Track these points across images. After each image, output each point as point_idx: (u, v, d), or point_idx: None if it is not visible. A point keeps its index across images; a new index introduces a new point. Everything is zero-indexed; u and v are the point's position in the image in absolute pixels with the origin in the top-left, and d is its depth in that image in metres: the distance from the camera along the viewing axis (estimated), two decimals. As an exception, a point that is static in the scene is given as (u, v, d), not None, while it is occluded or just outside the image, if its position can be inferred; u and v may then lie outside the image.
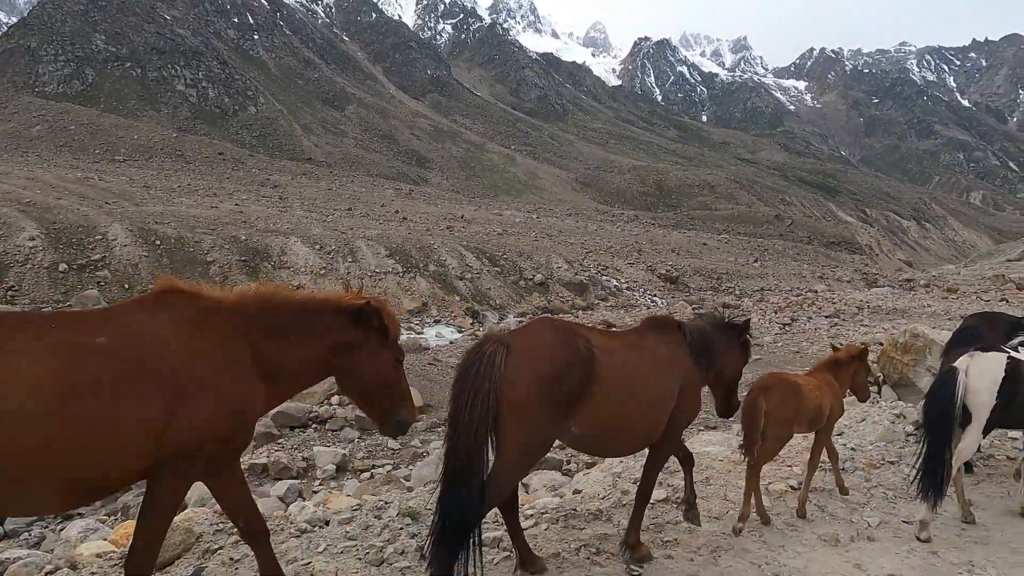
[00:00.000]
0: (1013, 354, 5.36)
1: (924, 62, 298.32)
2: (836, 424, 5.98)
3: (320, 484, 7.75)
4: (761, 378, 5.40)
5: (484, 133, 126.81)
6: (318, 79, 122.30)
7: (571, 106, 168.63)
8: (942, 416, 5.18)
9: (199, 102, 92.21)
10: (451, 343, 18.84)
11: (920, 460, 5.25)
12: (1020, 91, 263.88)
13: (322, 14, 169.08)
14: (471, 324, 26.72)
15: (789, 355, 16.60)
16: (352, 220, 42.59)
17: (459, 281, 31.38)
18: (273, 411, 10.28)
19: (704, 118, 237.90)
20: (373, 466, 8.28)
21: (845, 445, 7.30)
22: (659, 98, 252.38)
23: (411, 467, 7.90)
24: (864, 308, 25.20)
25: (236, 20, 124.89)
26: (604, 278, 38.73)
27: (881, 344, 10.94)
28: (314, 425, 9.92)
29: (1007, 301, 28.92)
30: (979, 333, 6.65)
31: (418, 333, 24.75)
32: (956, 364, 5.31)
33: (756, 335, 19.91)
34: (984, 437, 5.41)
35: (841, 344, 7.08)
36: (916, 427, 7.39)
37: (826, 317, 22.76)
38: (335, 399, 10.90)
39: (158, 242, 25.91)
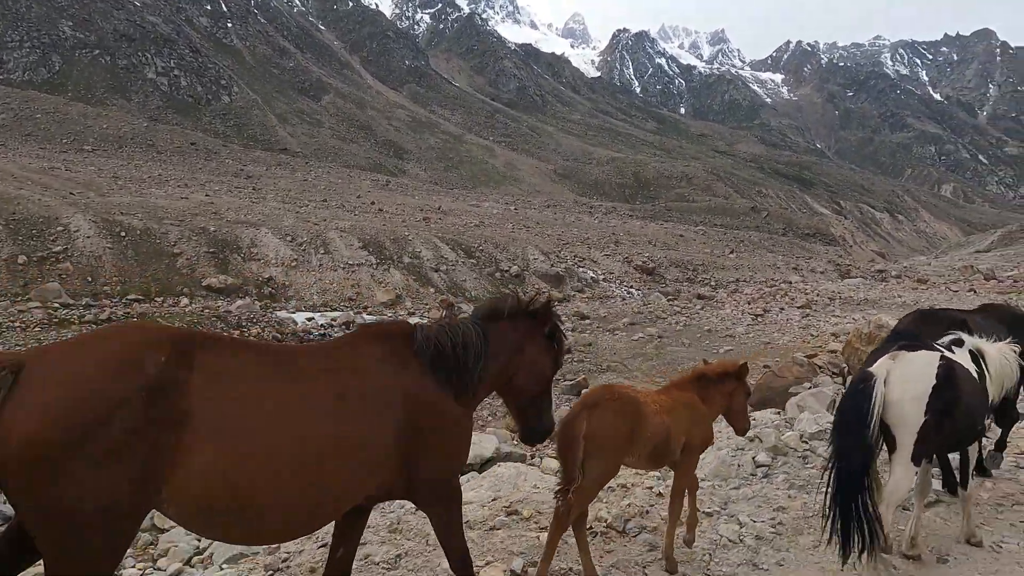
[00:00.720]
0: (947, 353, 4.27)
1: (898, 56, 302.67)
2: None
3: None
4: (588, 391, 4.31)
5: (463, 124, 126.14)
6: (294, 68, 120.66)
7: (550, 97, 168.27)
8: (854, 441, 3.91)
9: (171, 91, 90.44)
10: (421, 336, 18.63)
11: (828, 505, 4.00)
12: (990, 85, 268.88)
13: (297, 2, 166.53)
14: (445, 316, 26.51)
15: (759, 346, 16.65)
16: (327, 211, 42.04)
17: (434, 273, 31.11)
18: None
19: (682, 110, 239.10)
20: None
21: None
22: (638, 90, 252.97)
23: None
24: (836, 299, 25.44)
25: (209, 8, 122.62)
26: (581, 270, 38.68)
27: (848, 334, 10.93)
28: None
29: (975, 292, 29.38)
30: (915, 337, 5.52)
31: (391, 326, 24.50)
32: (873, 368, 4.10)
33: (728, 325, 19.95)
34: (920, 465, 4.17)
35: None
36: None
37: (798, 308, 22.92)
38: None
39: (123, 234, 25.27)
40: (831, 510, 3.98)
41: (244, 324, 19.45)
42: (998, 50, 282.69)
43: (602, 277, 38.81)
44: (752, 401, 11.92)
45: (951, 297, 26.74)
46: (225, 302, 23.15)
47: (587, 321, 19.93)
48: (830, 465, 4.08)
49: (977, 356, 4.63)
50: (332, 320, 23.29)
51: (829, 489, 4.04)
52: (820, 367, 10.35)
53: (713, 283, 40.14)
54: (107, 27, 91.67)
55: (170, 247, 25.57)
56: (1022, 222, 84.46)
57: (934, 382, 3.99)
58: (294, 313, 24.26)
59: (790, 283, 36.74)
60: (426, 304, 28.35)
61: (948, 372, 4.05)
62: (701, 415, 4.42)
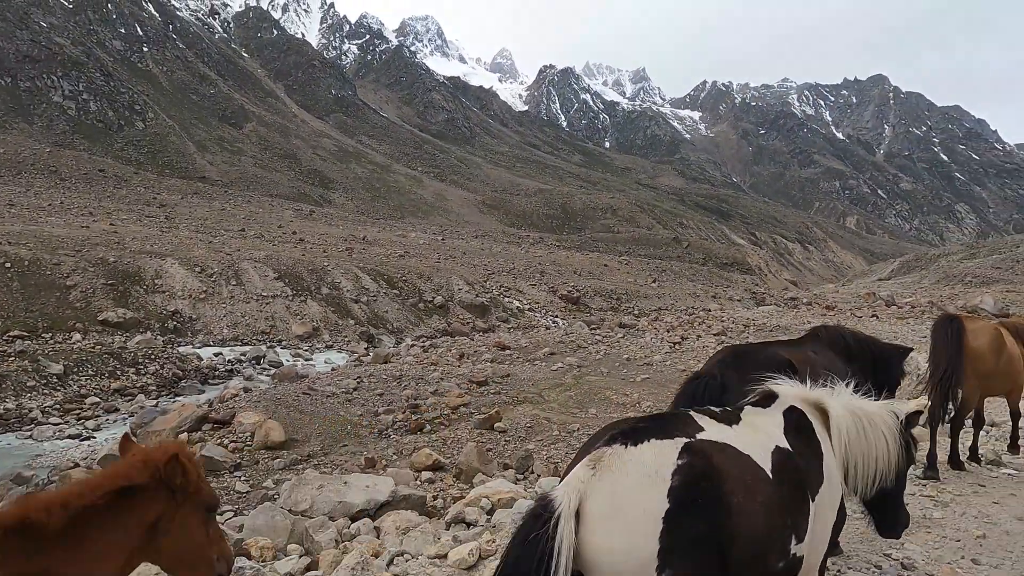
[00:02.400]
0: (700, 437, 2.50)
1: (804, 97, 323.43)
2: None
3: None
4: None
5: (390, 154, 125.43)
6: (214, 95, 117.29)
7: (478, 129, 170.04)
8: None
9: (79, 115, 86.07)
10: (332, 370, 17.84)
11: None
12: (885, 126, 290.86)
13: (219, 28, 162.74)
14: (365, 349, 25.68)
15: (676, 373, 16.77)
16: (243, 241, 40.44)
17: (354, 304, 30.21)
18: (100, 455, 9.09)
19: (607, 144, 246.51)
20: (211, 514, 7.29)
21: None
22: (564, 124, 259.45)
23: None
24: (750, 326, 26.17)
25: (123, 31, 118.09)
26: (506, 299, 38.56)
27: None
28: (151, 468, 8.75)
29: (878, 317, 31.00)
30: (719, 388, 4.07)
31: (307, 360, 23.50)
32: (557, 492, 2.31)
33: (647, 353, 20.11)
34: None
35: None
36: None
37: (714, 335, 23.40)
38: (182, 436, 9.78)
39: (8, 264, 23.28)
40: None
41: (141, 361, 18.09)
42: (891, 94, 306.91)
43: (527, 307, 38.80)
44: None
45: (856, 323, 28.06)
46: (123, 337, 21.57)
47: (507, 351, 19.64)
48: None
49: (808, 420, 2.92)
50: (241, 355, 22.09)
51: None
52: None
53: (636, 312, 40.81)
54: (8, 48, 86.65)
55: (63, 279, 23.72)
56: (917, 252, 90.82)
57: (666, 506, 2.21)
58: (200, 348, 22.88)
59: (708, 311, 37.76)
60: (345, 336, 27.41)
61: (696, 479, 2.29)
62: None
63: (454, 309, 34.08)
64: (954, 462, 6.71)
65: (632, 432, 2.43)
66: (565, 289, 43.31)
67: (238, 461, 9.07)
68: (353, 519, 6.75)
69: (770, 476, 2.51)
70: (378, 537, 6.11)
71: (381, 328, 29.60)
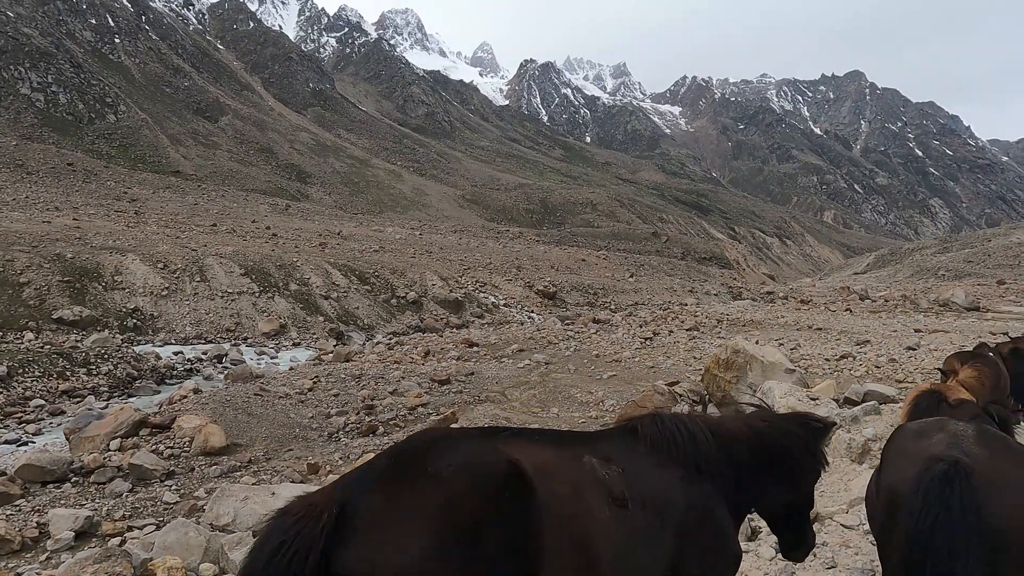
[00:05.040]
0: None
1: (782, 93, 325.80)
2: None
3: (45, 560, 6.16)
4: None
5: (369, 148, 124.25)
6: (189, 88, 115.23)
7: (458, 124, 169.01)
8: None
9: (48, 108, 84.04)
10: (290, 370, 17.29)
11: None
12: (862, 122, 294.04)
13: (194, 20, 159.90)
14: (334, 346, 25.10)
15: (644, 370, 16.48)
16: (214, 237, 39.54)
17: (324, 300, 29.59)
18: (19, 463, 8.53)
19: (587, 139, 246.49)
20: (130, 528, 6.79)
21: None
22: (545, 119, 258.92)
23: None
24: (723, 320, 26.00)
25: (93, 22, 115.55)
26: (481, 295, 38.11)
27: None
28: (74, 479, 8.23)
29: (851, 311, 31.07)
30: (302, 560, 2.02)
31: (272, 358, 22.91)
32: None
33: (617, 350, 19.80)
34: None
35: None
36: None
37: (686, 330, 23.18)
38: (115, 443, 9.22)
39: (-43, 262, 22.40)
40: None
41: (93, 361, 17.40)
42: (867, 90, 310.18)
43: (503, 302, 38.38)
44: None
45: (829, 317, 28.03)
46: (79, 336, 20.82)
47: (475, 348, 19.21)
48: None
49: None
50: (203, 354, 21.43)
51: None
52: (680, 395, 10.09)
53: (612, 307, 40.58)
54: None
55: (16, 276, 22.86)
56: (892, 246, 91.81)
57: None
58: (161, 347, 22.17)
59: (684, 306, 37.63)
60: (313, 334, 26.81)
61: None
62: None
63: (428, 305, 33.58)
64: None
65: None
66: (542, 284, 42.95)
67: (171, 469, 8.55)
68: (281, 533, 6.28)
69: None
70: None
71: (351, 325, 29.03)
